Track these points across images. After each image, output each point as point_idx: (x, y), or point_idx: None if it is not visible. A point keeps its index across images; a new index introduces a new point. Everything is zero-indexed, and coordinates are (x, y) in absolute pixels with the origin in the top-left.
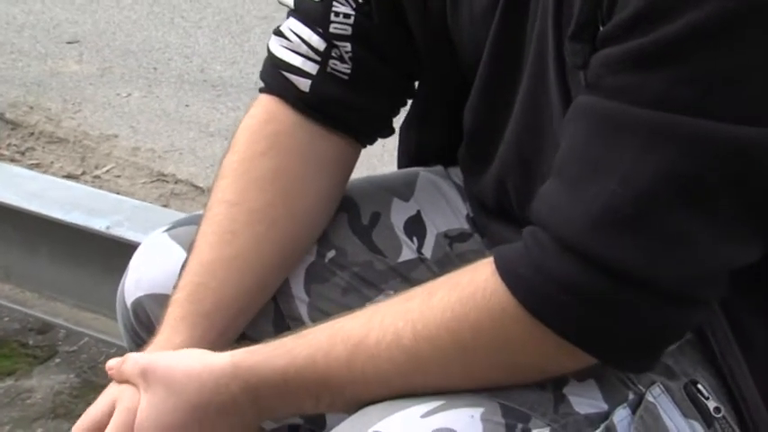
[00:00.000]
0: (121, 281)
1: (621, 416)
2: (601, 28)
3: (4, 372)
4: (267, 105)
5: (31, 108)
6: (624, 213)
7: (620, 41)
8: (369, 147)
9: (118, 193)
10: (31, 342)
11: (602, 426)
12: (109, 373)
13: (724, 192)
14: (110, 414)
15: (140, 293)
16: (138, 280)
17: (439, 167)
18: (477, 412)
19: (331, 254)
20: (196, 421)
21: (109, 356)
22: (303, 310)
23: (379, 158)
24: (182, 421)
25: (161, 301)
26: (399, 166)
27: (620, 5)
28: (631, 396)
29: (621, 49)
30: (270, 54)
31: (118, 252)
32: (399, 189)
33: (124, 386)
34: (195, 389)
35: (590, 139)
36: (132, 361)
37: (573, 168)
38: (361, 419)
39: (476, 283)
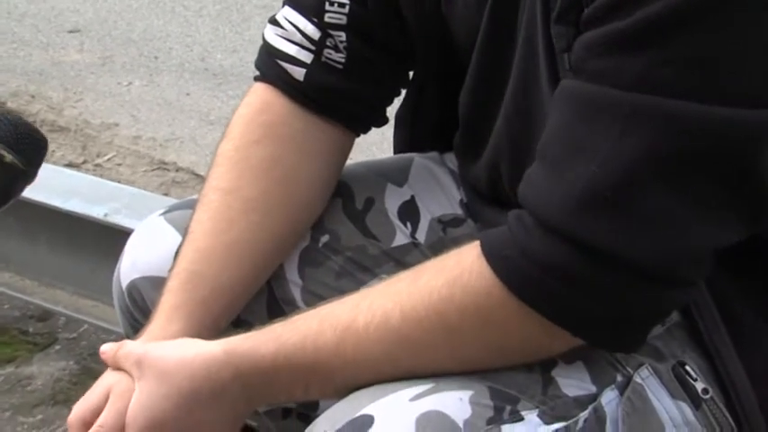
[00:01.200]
0: (118, 263)
1: (609, 397)
2: (585, 10)
3: (4, 359)
4: (262, 94)
5: (33, 97)
6: (604, 195)
7: (602, 23)
8: (368, 135)
9: (119, 182)
10: (31, 329)
11: (591, 407)
12: (102, 357)
13: (702, 172)
14: (105, 401)
15: (136, 276)
16: (133, 262)
17: (434, 153)
18: (465, 395)
19: (325, 238)
20: (187, 411)
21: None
22: (297, 294)
23: (378, 146)
24: (173, 411)
25: (156, 283)
26: (395, 153)
27: None
28: (619, 378)
29: (603, 32)
30: (265, 43)
31: (116, 240)
32: (394, 174)
33: (119, 373)
34: (186, 376)
35: (572, 122)
36: (128, 350)
37: (555, 151)
38: (351, 403)
39: (462, 266)
